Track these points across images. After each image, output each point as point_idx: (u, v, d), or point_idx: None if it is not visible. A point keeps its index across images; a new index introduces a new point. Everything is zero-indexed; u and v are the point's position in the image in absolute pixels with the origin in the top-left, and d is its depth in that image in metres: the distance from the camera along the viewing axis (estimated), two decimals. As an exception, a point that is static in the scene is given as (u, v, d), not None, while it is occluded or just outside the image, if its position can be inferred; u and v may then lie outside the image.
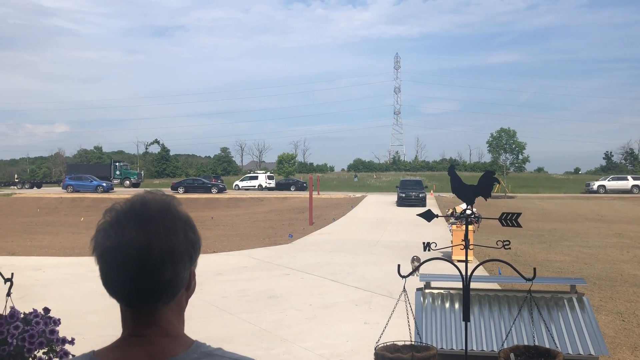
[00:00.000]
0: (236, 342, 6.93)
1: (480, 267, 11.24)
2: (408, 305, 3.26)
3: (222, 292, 9.95)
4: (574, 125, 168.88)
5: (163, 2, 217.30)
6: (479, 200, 3.22)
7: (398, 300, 3.26)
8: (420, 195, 33.92)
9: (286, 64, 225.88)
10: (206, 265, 13.25)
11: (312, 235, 20.21)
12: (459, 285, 4.34)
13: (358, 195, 43.25)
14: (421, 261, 3.21)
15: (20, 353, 3.36)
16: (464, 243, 2.86)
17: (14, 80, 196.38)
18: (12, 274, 3.89)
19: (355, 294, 9.79)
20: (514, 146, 51.88)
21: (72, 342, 3.81)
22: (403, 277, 2.91)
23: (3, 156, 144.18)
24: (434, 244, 3.04)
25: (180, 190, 46.13)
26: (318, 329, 7.50)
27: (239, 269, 12.60)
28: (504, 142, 51.36)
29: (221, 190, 46.59)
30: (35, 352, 3.51)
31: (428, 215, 3.18)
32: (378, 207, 33.88)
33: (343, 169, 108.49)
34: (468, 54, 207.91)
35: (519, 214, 2.88)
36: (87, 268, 12.59)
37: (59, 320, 3.77)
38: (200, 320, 8.07)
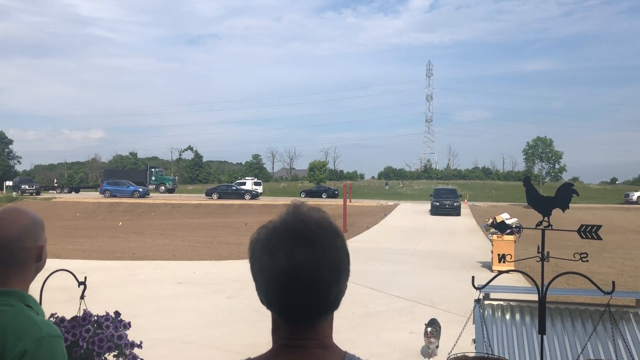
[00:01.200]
0: (284, 348, 6.97)
1: (523, 279, 11.00)
2: (480, 318, 3.23)
3: (264, 299, 10.01)
4: (611, 134, 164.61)
5: (197, 11, 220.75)
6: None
7: (472, 312, 3.23)
8: (455, 204, 33.56)
9: (317, 71, 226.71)
10: (246, 271, 13.31)
11: (347, 242, 20.16)
12: (520, 297, 4.30)
13: (390, 203, 43.03)
14: (494, 275, 3.19)
15: (90, 356, 3.45)
16: (539, 255, 2.83)
17: (53, 88, 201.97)
18: (85, 277, 4.01)
19: (397, 303, 9.74)
20: (550, 155, 50.91)
21: (139, 346, 3.90)
22: (477, 288, 2.89)
23: (42, 161, 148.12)
24: (509, 256, 3.01)
25: (215, 196, 46.60)
26: (364, 338, 7.49)
27: (278, 276, 12.67)
28: (540, 150, 50.43)
29: (254, 197, 46.91)
30: (106, 355, 3.61)
31: (501, 227, 3.16)
32: (411, 215, 33.63)
33: (373, 177, 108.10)
34: (501, 61, 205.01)
35: (599, 227, 2.83)
36: (130, 272, 12.86)
37: (129, 323, 3.87)
38: (246, 326, 8.14)
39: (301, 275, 1.06)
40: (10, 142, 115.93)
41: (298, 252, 1.06)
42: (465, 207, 39.54)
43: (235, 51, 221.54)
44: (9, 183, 62.37)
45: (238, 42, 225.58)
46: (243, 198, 45.78)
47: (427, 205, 37.84)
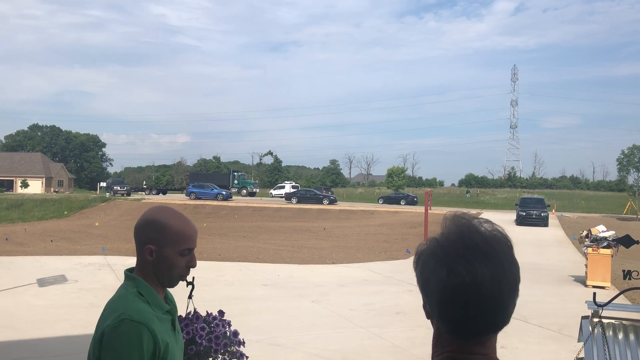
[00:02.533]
0: (371, 356, 6.91)
1: (621, 296, 10.26)
2: (602, 336, 3.03)
3: (348, 305, 9.99)
4: None
5: (279, 19, 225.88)
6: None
7: (592, 330, 3.03)
8: (543, 215, 32.09)
9: (397, 77, 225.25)
10: (328, 276, 13.43)
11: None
12: (634, 316, 4.00)
13: (473, 211, 41.80)
14: (623, 290, 2.98)
15: (208, 353, 3.55)
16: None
17: (143, 94, 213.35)
18: (193, 277, 4.15)
19: (486, 316, 9.41)
20: (648, 164, 47.44)
21: (243, 343, 3.97)
22: (599, 305, 2.70)
23: (132, 164, 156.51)
24: (635, 272, 2.80)
25: (294, 200, 47.25)
26: (453, 350, 7.28)
27: (361, 282, 12.61)
28: (637, 159, 47.12)
29: (332, 202, 47.09)
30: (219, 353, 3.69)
31: (627, 241, 2.95)
32: (495, 225, 32.30)
33: (453, 184, 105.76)
34: (591, 65, 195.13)
35: None
36: (217, 273, 13.24)
37: (230, 322, 3.95)
38: (332, 331, 8.15)
39: (482, 291, 1.03)
40: (104, 145, 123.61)
41: (479, 267, 1.03)
42: (553, 218, 37.75)
43: (315, 57, 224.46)
44: (103, 184, 66.41)
45: (318, 48, 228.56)
46: (321, 203, 46.11)
47: (512, 215, 36.44)
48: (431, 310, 1.10)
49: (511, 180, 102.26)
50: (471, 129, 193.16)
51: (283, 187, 62.24)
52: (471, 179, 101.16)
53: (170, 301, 1.86)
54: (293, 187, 61.80)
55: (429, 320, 1.16)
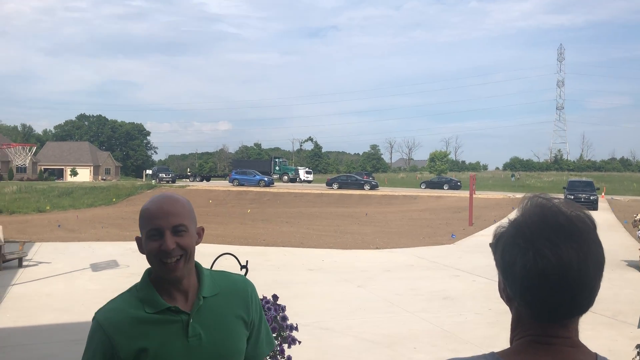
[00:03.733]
0: (420, 341, 6.87)
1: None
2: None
3: (394, 290, 9.96)
4: None
5: (318, 4, 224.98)
6: None
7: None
8: (591, 198, 31.17)
9: (437, 59, 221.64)
10: (373, 261, 13.42)
11: (475, 236, 19.51)
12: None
13: (519, 195, 40.91)
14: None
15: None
16: None
17: (185, 83, 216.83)
18: (247, 261, 4.20)
19: (536, 301, 9.23)
20: None
21: (296, 328, 4.00)
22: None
23: (175, 151, 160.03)
24: None
25: (335, 185, 47.29)
26: (504, 335, 7.14)
27: (406, 267, 12.55)
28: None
29: (373, 187, 46.90)
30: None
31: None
32: (541, 209, 31.55)
33: (498, 168, 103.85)
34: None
35: None
36: (263, 258, 13.41)
37: (284, 307, 3.98)
38: (380, 315, 8.15)
39: (569, 273, 1.00)
40: (148, 133, 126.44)
41: (565, 250, 1.00)
42: (602, 201, 36.62)
43: (354, 42, 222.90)
44: (148, 172, 68.02)
45: (357, 32, 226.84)
46: (363, 188, 45.99)
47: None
48: (513, 294, 1.07)
49: (558, 163, 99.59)
50: (516, 111, 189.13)
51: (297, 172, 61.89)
52: (516, 162, 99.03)
53: (200, 298, 1.55)
54: (307, 172, 62.18)
55: (507, 305, 1.13)
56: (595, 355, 1.07)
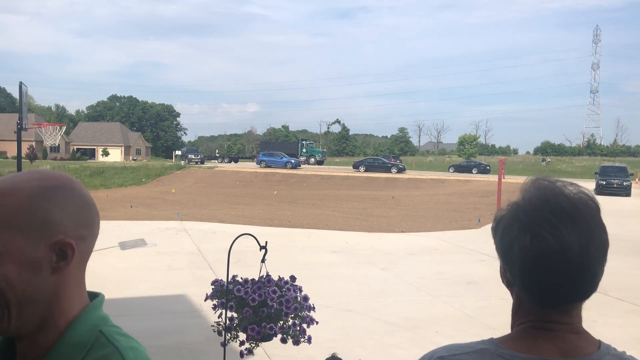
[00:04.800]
0: (443, 325, 6.84)
1: None
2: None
3: (418, 273, 9.92)
4: None
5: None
6: None
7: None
8: (625, 184, 30.39)
9: (468, 41, 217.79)
10: (397, 244, 13.37)
11: (502, 221, 19.25)
12: None
13: (548, 180, 40.25)
14: None
15: (278, 316, 3.61)
16: None
17: (214, 64, 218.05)
18: (266, 242, 4.22)
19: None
20: None
21: (313, 308, 4.01)
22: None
23: (204, 133, 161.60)
24: None
25: (362, 168, 47.14)
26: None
27: (430, 251, 12.48)
28: None
29: (401, 170, 46.57)
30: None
31: None
32: (572, 194, 30.91)
33: (528, 152, 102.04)
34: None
35: None
36: (288, 239, 13.49)
37: (301, 287, 3.99)
38: (402, 299, 8.14)
39: (570, 257, 0.96)
40: (178, 115, 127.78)
41: (566, 232, 0.96)
42: (636, 187, 35.69)
43: (384, 23, 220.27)
44: (178, 152, 68.91)
45: (386, 14, 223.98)
46: (390, 172, 45.71)
47: (591, 184, 34.77)
48: (512, 278, 1.04)
49: (590, 148, 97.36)
50: (548, 94, 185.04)
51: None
52: (547, 146, 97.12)
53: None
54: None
55: (508, 290, 1.11)
56: (599, 342, 1.03)
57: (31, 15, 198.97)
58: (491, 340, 1.06)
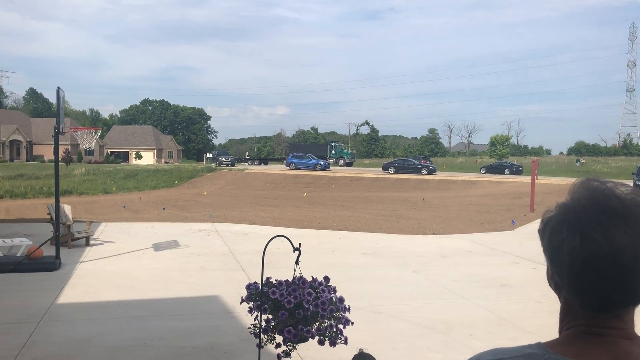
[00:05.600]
0: (477, 328, 6.74)
1: None
2: None
3: (450, 275, 9.81)
4: None
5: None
6: None
7: None
8: (664, 185, 29.54)
9: (499, 40, 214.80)
10: (429, 246, 13.25)
11: (536, 223, 18.86)
12: None
13: (583, 181, 39.34)
14: None
15: (314, 317, 3.60)
16: None
17: (243, 68, 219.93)
18: (300, 244, 4.22)
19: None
20: None
21: (349, 309, 3.99)
22: None
23: (234, 135, 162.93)
24: None
25: (391, 170, 46.90)
26: (565, 326, 6.91)
27: (463, 253, 12.32)
28: None
29: (431, 172, 46.15)
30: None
31: None
32: (608, 195, 30.12)
33: (562, 153, 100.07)
34: None
35: None
36: (318, 241, 13.49)
37: (335, 288, 3.97)
38: (435, 301, 8.05)
39: (621, 260, 0.93)
40: (209, 118, 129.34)
41: (617, 234, 0.93)
42: (676, 188, 34.60)
43: (413, 23, 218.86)
44: (209, 155, 69.69)
45: (416, 14, 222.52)
46: (420, 173, 45.37)
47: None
48: (561, 281, 1.01)
49: (627, 148, 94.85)
50: (582, 93, 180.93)
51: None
52: (581, 146, 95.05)
53: None
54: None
55: (555, 293, 1.08)
56: None
57: (66, 22, 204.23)
58: (539, 344, 1.04)
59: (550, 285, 1.09)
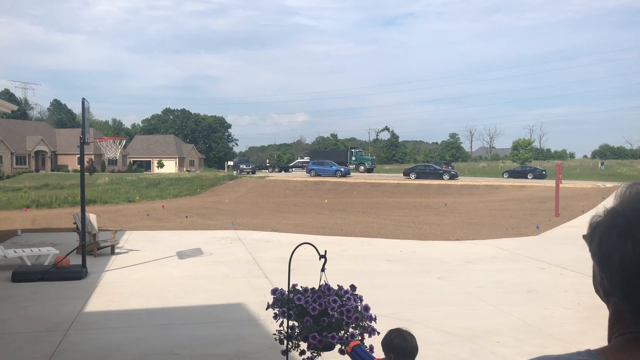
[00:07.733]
0: (504, 335, 6.64)
1: None
2: None
3: (476, 282, 9.69)
4: None
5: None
6: None
7: None
8: (693, 187, 28.85)
9: (519, 44, 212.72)
10: (453, 253, 13.12)
11: (561, 227, 18.61)
12: None
13: (609, 185, 38.62)
14: None
15: (339, 325, 3.58)
16: None
17: (263, 76, 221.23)
18: (326, 251, 4.20)
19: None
20: None
21: (375, 319, 3.95)
22: None
23: (255, 143, 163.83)
24: None
25: (412, 175, 46.63)
26: (595, 332, 6.77)
27: (488, 259, 12.17)
28: None
29: (453, 177, 45.77)
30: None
31: None
32: (636, 199, 29.54)
33: (586, 156, 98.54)
34: None
35: None
36: (340, 247, 13.45)
37: (361, 297, 3.94)
38: (461, 308, 7.96)
39: None
40: (229, 126, 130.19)
41: None
42: None
43: (432, 29, 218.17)
44: (230, 163, 70.16)
45: (434, 19, 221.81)
46: (441, 178, 45.03)
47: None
48: (611, 287, 0.98)
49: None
50: (605, 95, 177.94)
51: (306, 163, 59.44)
52: (606, 149, 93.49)
53: None
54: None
55: (603, 300, 1.05)
56: None
57: (89, 34, 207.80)
58: (588, 351, 1.01)
59: (597, 291, 1.06)
